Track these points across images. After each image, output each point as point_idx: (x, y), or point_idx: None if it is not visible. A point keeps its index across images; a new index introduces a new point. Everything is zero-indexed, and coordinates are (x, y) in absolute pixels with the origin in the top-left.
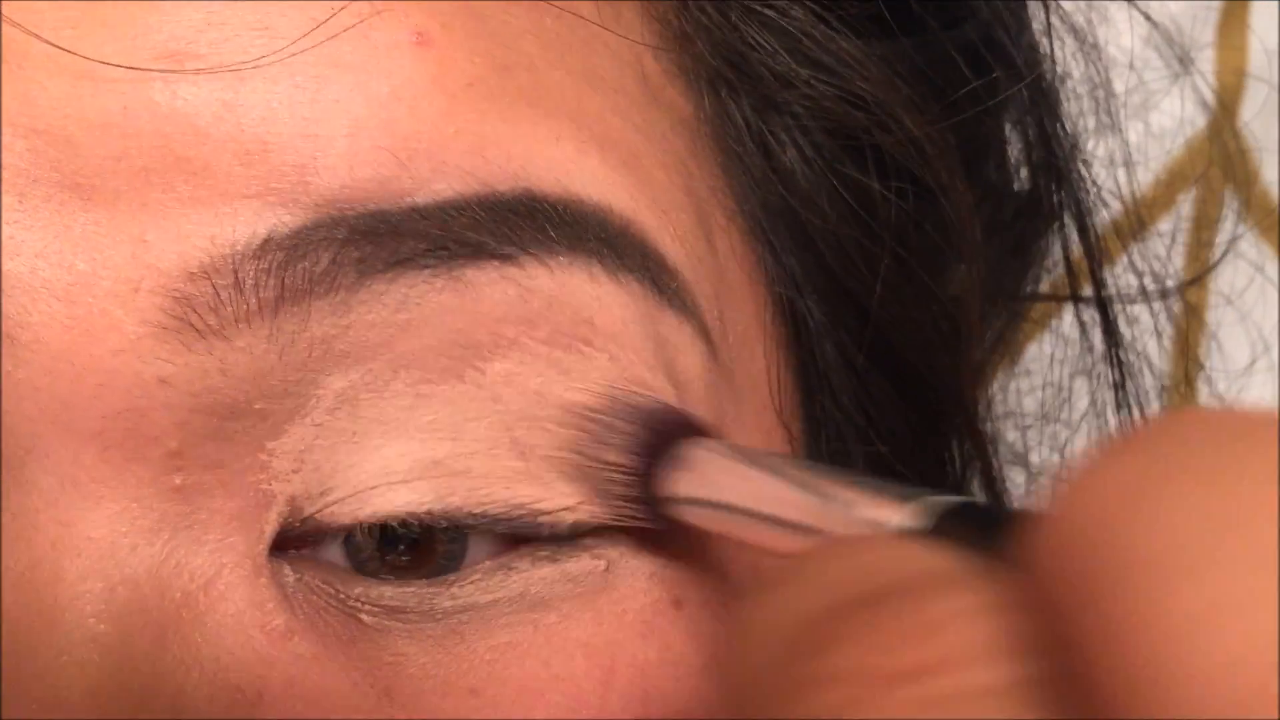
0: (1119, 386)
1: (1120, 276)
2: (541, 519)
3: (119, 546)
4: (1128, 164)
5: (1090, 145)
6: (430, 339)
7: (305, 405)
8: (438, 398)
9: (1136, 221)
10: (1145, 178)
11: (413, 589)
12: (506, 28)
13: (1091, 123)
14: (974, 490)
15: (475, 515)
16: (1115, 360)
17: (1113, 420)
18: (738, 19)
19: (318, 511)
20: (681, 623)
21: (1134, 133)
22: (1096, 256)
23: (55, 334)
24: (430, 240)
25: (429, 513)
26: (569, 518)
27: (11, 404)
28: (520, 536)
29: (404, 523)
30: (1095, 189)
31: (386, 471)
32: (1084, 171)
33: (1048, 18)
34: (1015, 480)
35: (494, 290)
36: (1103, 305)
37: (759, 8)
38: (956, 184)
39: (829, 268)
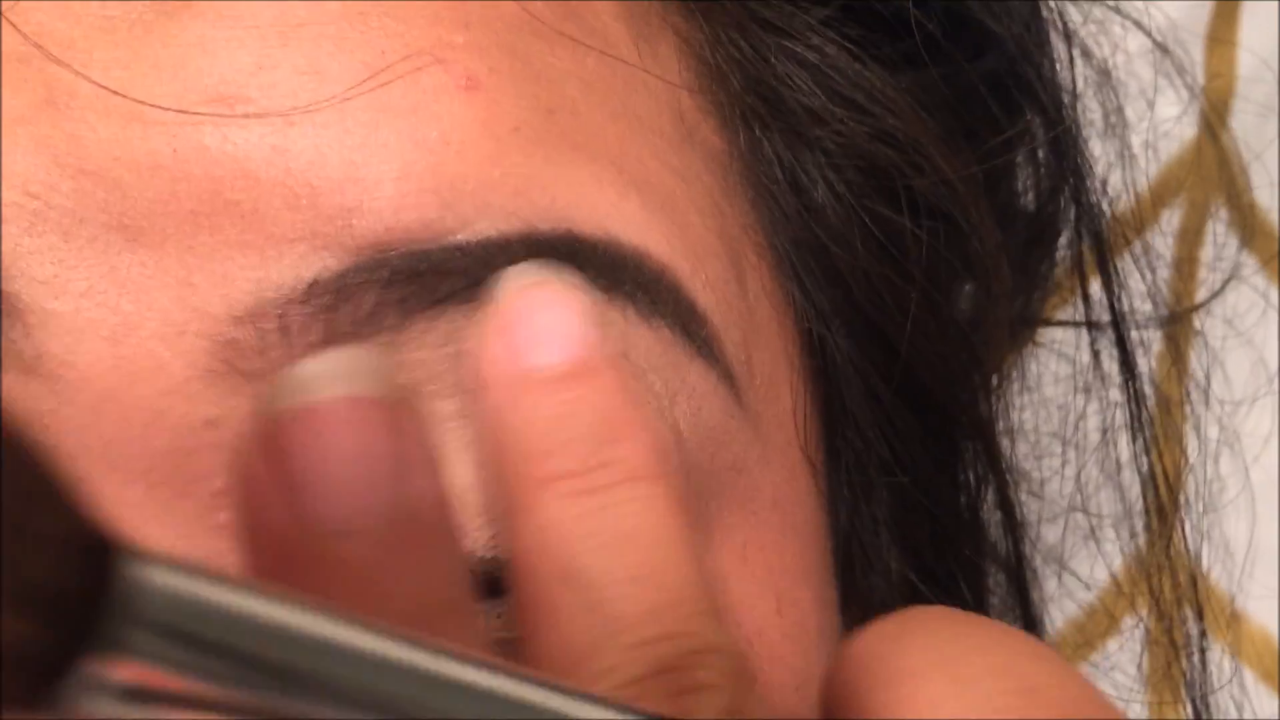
0: (1134, 415)
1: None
2: None
3: None
4: (1132, 184)
5: (1099, 169)
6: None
7: None
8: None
9: (1128, 238)
10: (1137, 192)
11: None
12: (550, 70)
13: (1100, 147)
14: (988, 511)
15: (485, 561)
16: (1130, 390)
17: (1123, 441)
18: (772, 55)
19: None
20: None
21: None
22: (1115, 287)
23: (101, 374)
24: (470, 278)
25: None
26: None
27: (55, 441)
28: None
29: None
30: (1110, 218)
31: None
32: (1101, 202)
33: (1069, 49)
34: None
35: None
36: (1120, 335)
37: (793, 44)
38: (986, 221)
39: (857, 303)
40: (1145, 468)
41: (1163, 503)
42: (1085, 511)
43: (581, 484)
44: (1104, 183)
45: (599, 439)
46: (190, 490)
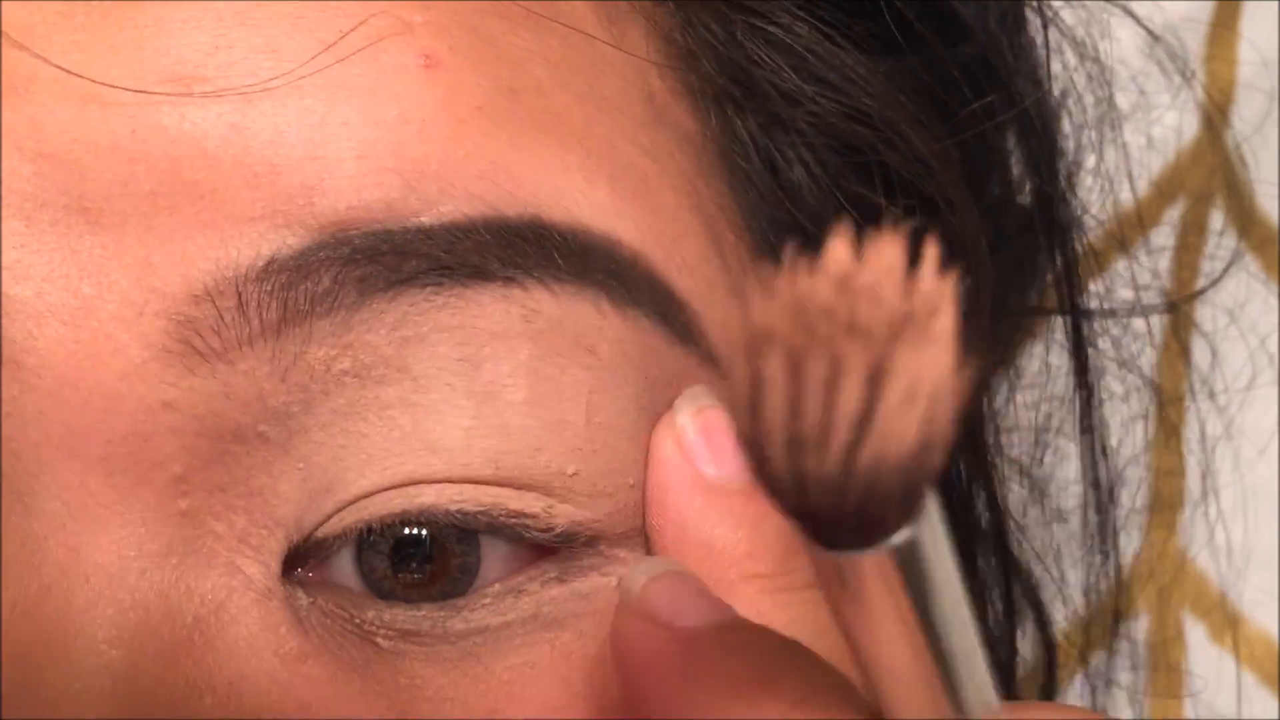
0: (1083, 410)
1: (1115, 288)
2: (526, 520)
3: (128, 571)
4: (1129, 175)
5: (1093, 160)
6: (428, 354)
7: (307, 425)
8: (430, 409)
9: (1128, 230)
10: (1139, 187)
11: (424, 612)
12: (514, 50)
13: (1094, 135)
14: (978, 508)
15: (451, 514)
16: (1083, 383)
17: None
18: (743, 36)
19: (319, 526)
20: None
21: (1130, 141)
22: (1077, 282)
23: (61, 359)
24: (433, 261)
25: (405, 511)
26: (556, 522)
27: (17, 429)
28: (520, 543)
29: (387, 527)
30: (1083, 211)
31: (379, 482)
32: (1073, 196)
33: (1045, 33)
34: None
35: (495, 309)
36: (1078, 328)
37: (764, 25)
38: (963, 200)
39: None
40: (1098, 462)
41: (1162, 500)
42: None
43: (776, 584)
44: (1097, 175)
45: (786, 549)
46: (150, 477)
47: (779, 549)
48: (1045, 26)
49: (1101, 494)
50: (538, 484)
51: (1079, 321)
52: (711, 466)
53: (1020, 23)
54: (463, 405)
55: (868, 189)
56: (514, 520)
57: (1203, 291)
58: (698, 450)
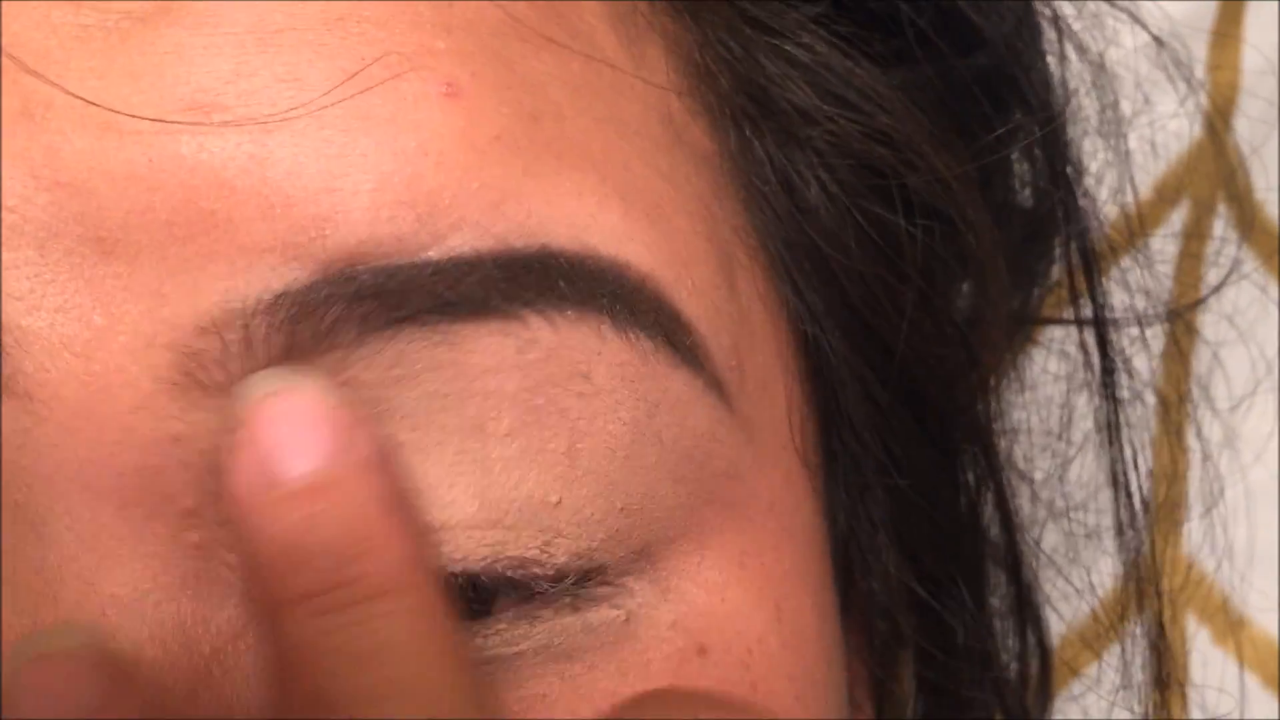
0: (1111, 421)
1: (1116, 294)
2: (531, 568)
3: (144, 605)
4: (1131, 181)
5: (1096, 166)
6: (419, 392)
7: None
8: (417, 447)
9: (1131, 235)
10: (1140, 192)
11: None
12: (535, 75)
13: (1098, 143)
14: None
15: (454, 576)
16: (1110, 394)
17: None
18: (761, 54)
19: None
20: (708, 670)
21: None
22: (1099, 292)
23: (73, 391)
24: (436, 298)
25: None
26: (557, 560)
27: (32, 461)
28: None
29: None
30: (1098, 220)
31: None
32: (1086, 202)
33: (1061, 42)
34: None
35: (490, 343)
36: (1102, 337)
37: (782, 43)
38: (982, 219)
39: (852, 304)
40: (1128, 468)
41: (1164, 504)
42: (1088, 510)
43: (324, 603)
44: (1100, 180)
45: (340, 555)
46: (160, 510)
47: (332, 556)
48: (1061, 35)
49: (1134, 503)
50: (525, 518)
51: (1104, 333)
52: (276, 465)
53: (1036, 31)
54: (448, 442)
55: (885, 208)
56: (518, 572)
57: (1205, 299)
58: (256, 448)
